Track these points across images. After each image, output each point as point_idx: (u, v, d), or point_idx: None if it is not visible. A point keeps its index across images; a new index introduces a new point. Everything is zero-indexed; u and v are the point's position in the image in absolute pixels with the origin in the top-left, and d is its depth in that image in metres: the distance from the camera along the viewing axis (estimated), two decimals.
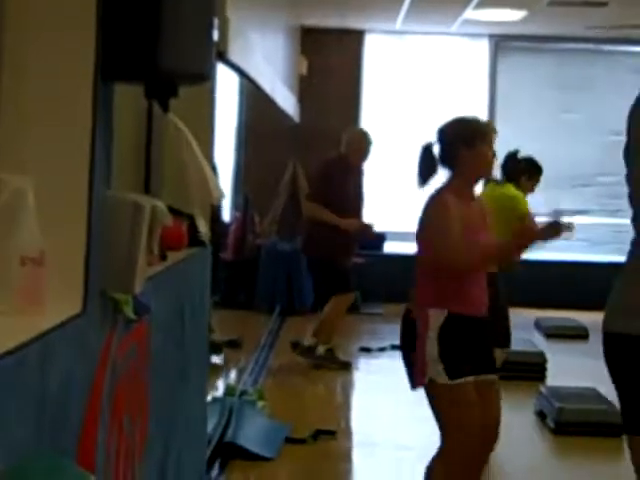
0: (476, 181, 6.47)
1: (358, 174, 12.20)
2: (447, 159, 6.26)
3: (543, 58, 19.14)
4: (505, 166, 10.15)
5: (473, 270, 6.14)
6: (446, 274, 6.13)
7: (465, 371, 6.05)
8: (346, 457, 8.99)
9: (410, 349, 6.18)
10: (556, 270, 17.06)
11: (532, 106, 18.69)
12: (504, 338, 9.45)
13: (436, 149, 6.27)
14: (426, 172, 6.29)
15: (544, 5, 15.04)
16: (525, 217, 9.53)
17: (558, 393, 9.87)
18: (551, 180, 18.24)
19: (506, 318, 9.44)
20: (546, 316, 14.86)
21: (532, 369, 11.57)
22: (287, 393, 10.83)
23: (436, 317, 6.06)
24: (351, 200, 11.91)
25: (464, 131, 6.30)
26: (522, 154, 10.30)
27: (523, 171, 10.22)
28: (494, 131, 6.46)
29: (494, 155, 6.38)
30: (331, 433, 9.19)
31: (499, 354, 9.15)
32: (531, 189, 10.35)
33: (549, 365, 11.64)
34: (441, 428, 6.23)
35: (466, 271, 6.12)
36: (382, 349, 12.62)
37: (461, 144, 6.23)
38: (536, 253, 16.46)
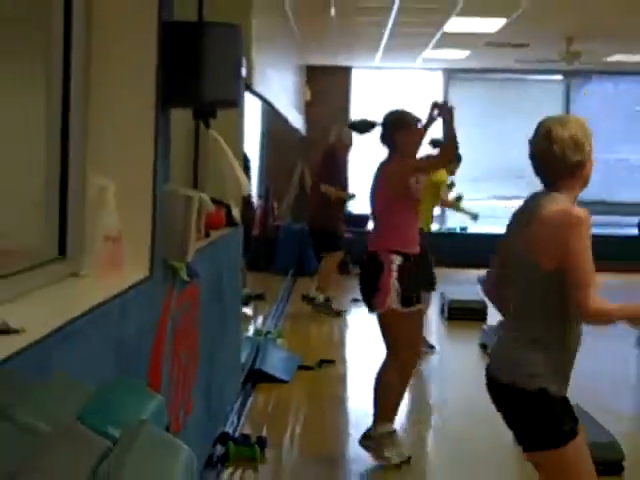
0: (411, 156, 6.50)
1: (344, 160, 12.35)
2: (386, 140, 6.48)
3: (483, 85, 19.21)
4: (436, 145, 10.35)
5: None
6: (398, 222, 6.20)
7: (413, 301, 6.13)
8: (343, 379, 9.04)
9: (371, 284, 6.19)
10: (494, 240, 17.04)
11: (476, 120, 18.64)
12: (430, 284, 9.51)
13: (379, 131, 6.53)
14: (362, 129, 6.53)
15: (482, 46, 15.03)
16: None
17: (494, 329, 9.88)
18: (493, 173, 18.50)
19: (431, 268, 9.51)
20: (484, 272, 14.83)
21: (477, 313, 11.57)
22: (299, 333, 10.85)
23: (396, 259, 6.11)
24: (340, 178, 12.08)
25: (397, 120, 6.47)
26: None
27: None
28: (420, 121, 6.49)
29: (421, 140, 6.58)
30: (332, 362, 9.24)
31: (426, 296, 9.29)
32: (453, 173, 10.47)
33: (488, 310, 11.64)
34: (390, 345, 6.32)
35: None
36: None
37: (395, 129, 6.41)
38: (479, 228, 16.36)
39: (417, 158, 6.59)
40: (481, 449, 6.78)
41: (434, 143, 10.64)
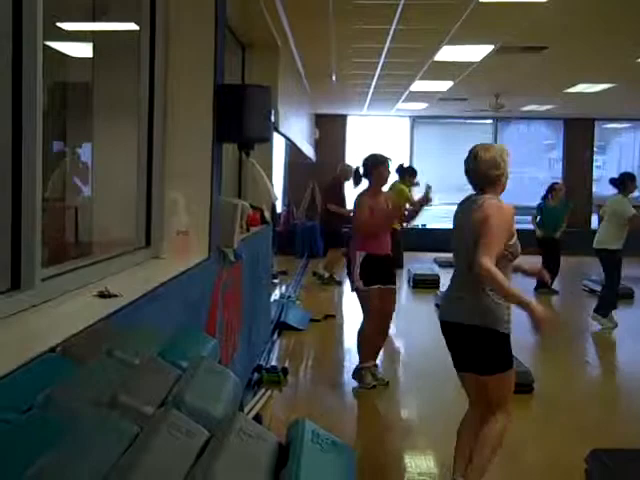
0: (381, 186, 6.43)
1: (343, 187, 12.36)
2: (367, 175, 6.33)
3: (438, 127, 19.09)
4: (401, 173, 10.34)
5: (371, 230, 6.21)
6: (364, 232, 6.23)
7: (372, 282, 6.16)
8: (341, 327, 9.02)
9: (350, 272, 6.29)
10: (445, 232, 17.07)
11: (434, 151, 18.65)
12: (399, 264, 9.68)
13: (361, 169, 6.39)
14: (357, 181, 6.45)
15: (437, 100, 15.00)
16: (408, 199, 9.85)
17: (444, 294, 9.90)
18: (445, 187, 18.46)
19: (401, 254, 9.64)
20: (440, 255, 14.87)
21: (432, 283, 11.56)
22: (311, 296, 10.82)
23: (360, 256, 6.13)
24: (343, 199, 12.08)
25: (374, 160, 6.32)
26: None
27: (405, 174, 10.37)
28: (390, 160, 6.44)
29: (389, 173, 6.45)
30: (333, 316, 9.25)
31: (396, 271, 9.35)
32: (413, 184, 10.39)
33: (441, 281, 11.66)
34: (364, 311, 6.33)
35: (367, 232, 6.22)
36: None
37: (372, 167, 6.29)
38: (435, 225, 16.21)
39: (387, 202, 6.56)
40: (437, 377, 6.78)
41: (400, 172, 10.71)
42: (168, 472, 1.73)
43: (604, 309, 8.87)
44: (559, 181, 13.54)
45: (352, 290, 6.45)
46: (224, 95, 4.56)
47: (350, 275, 6.36)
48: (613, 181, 8.99)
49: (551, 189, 11.86)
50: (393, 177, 8.16)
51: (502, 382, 3.81)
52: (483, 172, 3.83)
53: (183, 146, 4.39)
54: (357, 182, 6.54)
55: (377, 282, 6.25)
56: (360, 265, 6.20)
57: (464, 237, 3.82)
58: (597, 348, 8.61)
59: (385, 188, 6.64)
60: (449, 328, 3.92)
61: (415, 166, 13.00)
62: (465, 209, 3.90)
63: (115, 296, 2.92)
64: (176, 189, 4.32)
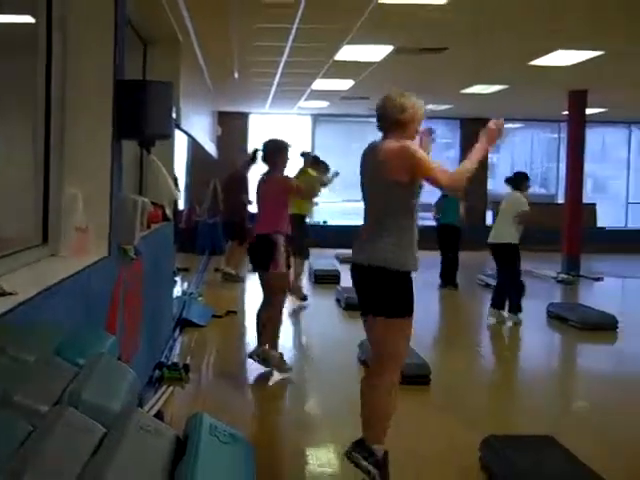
0: (281, 171, 6.48)
1: (246, 178, 12.37)
2: (266, 159, 6.46)
3: (339, 125, 19.28)
4: (305, 157, 10.40)
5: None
6: (280, 214, 6.33)
7: (287, 267, 6.31)
8: (242, 323, 9.00)
9: (266, 254, 6.26)
10: (345, 229, 17.26)
11: (335, 150, 18.78)
12: (306, 254, 9.76)
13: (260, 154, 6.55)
14: (251, 158, 6.58)
15: (338, 99, 15.13)
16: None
17: (345, 289, 9.97)
18: (346, 183, 18.65)
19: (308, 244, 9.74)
20: (340, 252, 15.01)
21: (333, 278, 11.66)
22: (213, 293, 10.76)
23: (280, 238, 6.18)
24: (246, 188, 12.12)
25: (274, 146, 6.41)
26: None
27: (312, 163, 10.41)
28: (290, 145, 6.52)
29: (288, 159, 6.53)
30: (235, 312, 9.23)
31: (300, 261, 9.79)
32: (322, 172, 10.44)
33: (342, 276, 11.76)
34: (271, 293, 6.42)
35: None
36: None
37: (272, 152, 6.43)
38: (335, 222, 16.38)
39: (291, 182, 6.63)
40: (339, 371, 6.85)
41: (303, 155, 10.72)
42: (61, 469, 1.70)
43: (516, 304, 9.03)
44: None
45: (268, 270, 6.36)
46: (124, 91, 4.49)
47: (266, 259, 6.33)
48: (508, 180, 9.25)
49: None
50: (297, 163, 8.20)
51: (400, 327, 3.85)
52: (390, 113, 3.89)
53: (82, 142, 4.30)
54: (250, 161, 6.64)
55: (289, 267, 6.45)
56: (283, 248, 6.27)
57: (371, 182, 3.91)
58: (492, 341, 8.84)
59: (289, 173, 6.74)
60: (356, 270, 3.97)
61: None
62: (370, 156, 3.96)
63: (10, 294, 2.84)
64: (75, 185, 4.23)
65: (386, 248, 3.80)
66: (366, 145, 4.10)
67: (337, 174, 10.57)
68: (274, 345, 6.51)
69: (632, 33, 8.64)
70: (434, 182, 3.76)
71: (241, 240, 11.77)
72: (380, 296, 3.85)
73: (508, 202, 9.05)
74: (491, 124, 3.89)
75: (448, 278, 11.68)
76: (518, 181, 9.08)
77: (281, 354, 6.53)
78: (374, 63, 10.79)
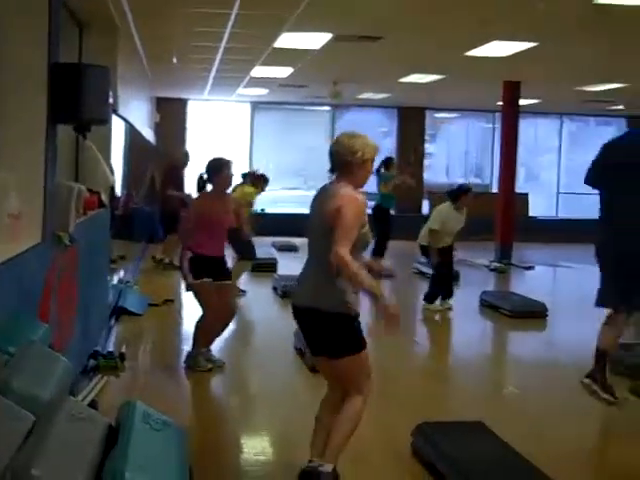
0: (224, 189, 6.45)
1: (182, 172, 12.26)
2: (210, 179, 6.34)
3: (278, 112, 19.24)
4: (244, 177, 10.33)
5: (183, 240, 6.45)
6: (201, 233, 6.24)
7: (201, 277, 6.15)
8: (179, 312, 8.96)
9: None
10: (284, 217, 17.31)
11: (274, 137, 18.79)
12: (251, 254, 9.64)
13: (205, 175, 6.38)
14: (200, 186, 6.41)
15: (277, 86, 15.09)
16: (250, 203, 10.03)
17: (282, 277, 10.00)
18: (283, 172, 18.72)
19: (252, 247, 9.67)
20: (278, 240, 15.01)
21: (270, 267, 11.61)
22: (149, 281, 10.67)
23: (188, 254, 6.14)
24: (182, 184, 12.01)
25: (216, 165, 6.32)
26: (260, 171, 10.60)
27: (252, 180, 10.34)
28: (231, 162, 6.44)
29: (231, 176, 6.45)
30: (171, 301, 9.17)
31: (243, 265, 9.70)
32: (261, 189, 10.37)
33: (279, 264, 11.77)
34: (200, 306, 6.35)
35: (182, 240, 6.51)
36: None
37: (214, 172, 6.30)
38: (274, 210, 16.40)
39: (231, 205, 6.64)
40: (275, 359, 6.87)
41: (244, 176, 10.69)
42: None
43: (448, 293, 9.17)
44: (392, 155, 13.98)
45: (187, 289, 6.36)
46: (59, 74, 4.41)
47: (181, 270, 6.31)
48: (449, 193, 9.28)
49: (386, 164, 12.32)
50: (237, 179, 8.16)
51: (353, 364, 3.83)
52: (340, 156, 3.85)
53: (15, 126, 4.22)
54: (200, 189, 6.50)
55: (208, 276, 6.22)
56: (190, 264, 6.18)
57: (316, 225, 3.85)
58: (426, 329, 8.96)
59: (228, 190, 6.68)
60: (300, 312, 3.90)
61: (254, 151, 13.03)
62: (319, 198, 3.92)
63: None
64: (7, 171, 4.15)
65: (335, 293, 3.75)
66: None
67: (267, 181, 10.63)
68: (205, 344, 6.44)
69: (565, 25, 8.80)
70: (334, 243, 3.61)
71: (173, 229, 11.70)
72: (330, 339, 3.82)
73: (435, 210, 9.19)
74: (393, 314, 3.81)
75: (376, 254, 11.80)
76: (455, 195, 9.12)
77: (209, 350, 6.47)
78: (313, 51, 10.78)
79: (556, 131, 20.44)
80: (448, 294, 9.21)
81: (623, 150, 5.31)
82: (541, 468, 3.85)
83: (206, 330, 6.38)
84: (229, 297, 6.48)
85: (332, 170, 3.92)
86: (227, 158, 6.47)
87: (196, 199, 6.53)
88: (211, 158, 6.48)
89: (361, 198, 3.77)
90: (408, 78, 13.64)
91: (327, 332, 3.80)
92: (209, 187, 6.44)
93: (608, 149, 5.35)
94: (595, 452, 5.02)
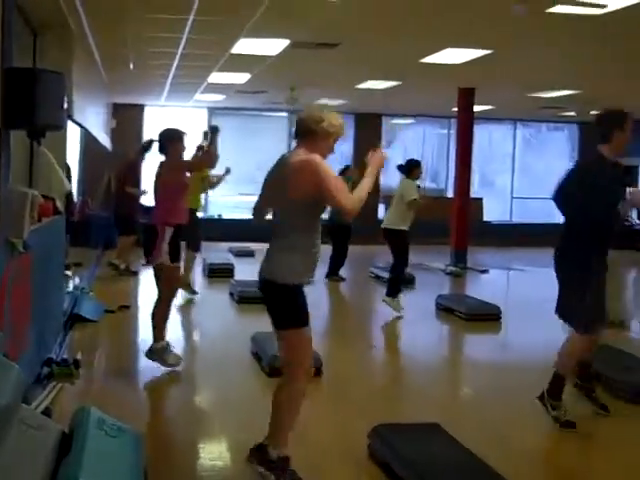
0: (179, 157, 6.46)
1: (139, 170, 12.15)
2: (162, 149, 6.39)
3: (236, 118, 19.16)
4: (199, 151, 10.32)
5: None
6: (171, 205, 6.24)
7: (173, 260, 6.21)
8: (135, 318, 8.85)
9: (149, 244, 6.21)
10: (238, 223, 17.26)
11: (230, 144, 18.67)
12: (197, 247, 9.70)
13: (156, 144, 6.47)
14: (145, 148, 6.46)
15: (234, 92, 15.06)
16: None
17: (239, 283, 9.96)
18: (239, 177, 18.62)
19: (199, 238, 9.92)
20: (234, 245, 14.98)
21: (227, 272, 11.59)
22: (105, 287, 10.56)
23: (168, 230, 6.11)
24: (139, 182, 11.95)
25: (169, 135, 6.39)
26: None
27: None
28: (185, 134, 6.49)
29: (184, 148, 6.51)
30: (127, 307, 9.08)
31: (192, 255, 9.83)
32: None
33: (236, 269, 11.73)
34: (160, 285, 6.31)
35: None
36: None
37: (168, 142, 6.37)
38: (229, 215, 16.33)
39: (188, 160, 6.65)
40: (231, 364, 6.84)
41: (199, 148, 10.55)
42: None
43: (393, 290, 9.19)
44: (351, 165, 13.69)
45: (150, 263, 6.32)
46: (13, 79, 4.35)
47: (153, 250, 6.23)
48: (400, 167, 9.35)
49: (343, 172, 12.09)
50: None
51: (296, 338, 3.87)
52: (305, 123, 3.89)
53: None
54: (145, 150, 6.51)
55: (177, 260, 6.32)
56: (168, 241, 6.17)
57: (276, 194, 3.87)
58: (383, 332, 8.98)
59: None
60: (261, 285, 3.96)
61: None
62: (277, 168, 3.94)
63: None
64: None
65: (281, 263, 3.81)
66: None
67: (228, 171, 10.53)
68: (160, 337, 6.41)
69: (519, 32, 8.91)
70: (337, 205, 3.74)
71: (130, 233, 11.60)
72: (276, 309, 3.89)
73: (399, 188, 9.20)
74: (373, 155, 3.96)
75: (333, 269, 11.75)
76: (408, 168, 9.22)
77: (167, 343, 6.44)
78: (270, 57, 10.79)
79: (510, 137, 20.68)
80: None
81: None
82: (495, 468, 3.89)
83: (164, 317, 6.38)
84: (180, 276, 6.57)
85: (296, 136, 3.96)
86: (181, 130, 6.49)
87: (160, 170, 6.47)
88: (165, 128, 6.48)
89: (319, 158, 3.79)
90: (365, 84, 13.71)
91: (276, 303, 3.87)
92: (161, 157, 6.45)
93: (571, 173, 5.35)
94: (549, 452, 5.07)
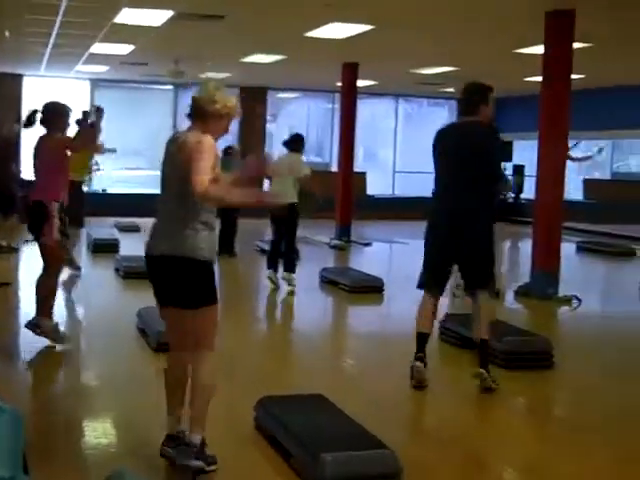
0: (62, 132, 6.25)
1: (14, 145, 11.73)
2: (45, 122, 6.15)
3: (119, 90, 18.75)
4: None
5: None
6: (55, 179, 6.05)
7: (65, 235, 6.15)
8: (16, 294, 8.61)
9: (38, 222, 6.00)
10: (124, 197, 16.91)
11: (114, 117, 18.16)
12: (80, 222, 9.57)
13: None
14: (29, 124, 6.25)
15: (118, 64, 14.71)
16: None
17: (124, 258, 9.78)
18: (130, 153, 18.22)
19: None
20: (120, 220, 14.67)
21: (112, 247, 11.28)
22: None
23: (55, 205, 5.95)
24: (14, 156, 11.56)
25: (55, 110, 6.19)
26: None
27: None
28: (71, 110, 6.30)
29: (69, 125, 6.34)
30: (9, 284, 8.82)
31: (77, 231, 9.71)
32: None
33: (121, 245, 11.48)
34: (49, 261, 6.13)
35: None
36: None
37: (52, 116, 6.13)
38: (115, 190, 15.98)
39: (70, 137, 6.42)
40: (117, 339, 6.73)
41: (79, 122, 10.21)
42: None
43: (293, 265, 9.13)
44: (234, 144, 13.55)
45: (42, 241, 6.07)
46: None
47: (43, 228, 6.01)
48: (286, 143, 9.24)
49: (226, 152, 11.96)
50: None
51: (211, 315, 3.83)
52: (199, 103, 3.80)
53: None
54: (29, 125, 6.24)
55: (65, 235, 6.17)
56: (58, 216, 5.99)
57: (168, 170, 3.80)
58: (268, 306, 9.01)
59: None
60: (153, 262, 3.82)
61: None
62: (171, 145, 3.85)
63: None
64: None
65: (188, 238, 3.69)
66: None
67: (114, 151, 10.29)
68: (49, 315, 6.25)
69: (400, 9, 9.03)
70: (192, 183, 3.53)
71: (10, 211, 11.21)
72: (184, 287, 3.76)
73: (286, 163, 9.02)
74: (253, 161, 3.95)
75: (225, 246, 11.64)
76: (295, 143, 9.15)
77: (56, 323, 6.28)
78: (154, 28, 10.56)
79: (392, 112, 20.98)
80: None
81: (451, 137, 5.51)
82: (376, 434, 3.97)
83: (53, 293, 6.22)
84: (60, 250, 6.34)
85: (189, 116, 3.87)
86: (67, 105, 6.29)
87: (40, 143, 6.22)
88: (51, 101, 6.26)
89: (209, 139, 3.70)
90: (250, 58, 13.62)
91: (184, 280, 3.74)
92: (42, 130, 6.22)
93: (439, 134, 5.56)
94: (428, 418, 5.26)
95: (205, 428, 3.83)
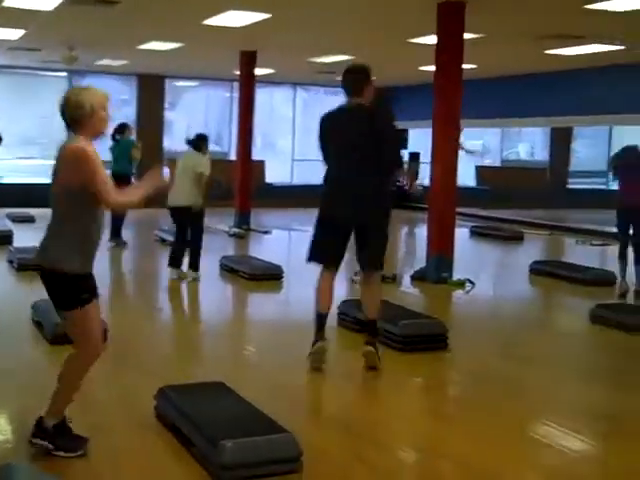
0: None
1: None
2: None
3: (7, 77, 18.08)
4: None
5: None
6: None
7: None
8: None
9: None
10: (26, 188, 16.39)
11: (4, 105, 17.57)
12: None
13: None
14: None
15: (7, 49, 14.22)
16: None
17: (18, 249, 9.46)
18: (20, 142, 17.64)
19: None
20: (13, 211, 14.19)
21: (5, 239, 10.87)
22: None
23: None
24: None
25: None
26: None
27: None
28: None
29: None
30: None
31: None
32: None
33: (15, 236, 11.12)
34: None
35: None
36: None
37: None
38: (11, 180, 15.46)
39: None
40: (6, 321, 6.52)
41: None
42: None
43: (197, 263, 9.02)
44: (126, 121, 13.17)
45: None
46: None
47: None
48: (189, 142, 9.11)
49: (121, 131, 11.66)
50: None
51: (81, 317, 3.80)
52: (69, 112, 3.79)
53: None
54: None
55: None
56: None
57: (54, 181, 3.74)
58: (168, 295, 8.90)
59: None
60: (40, 271, 3.84)
61: None
62: (58, 155, 3.79)
63: None
64: None
65: (57, 251, 3.74)
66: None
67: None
68: None
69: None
70: (101, 198, 3.66)
71: None
72: (54, 293, 3.82)
73: (187, 161, 8.93)
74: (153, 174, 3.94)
75: (113, 232, 11.32)
76: (198, 142, 9.04)
77: None
78: (46, 12, 10.24)
79: (290, 100, 20.99)
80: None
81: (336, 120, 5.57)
82: (276, 419, 3.99)
83: None
84: None
85: (67, 126, 3.84)
86: None
87: None
88: None
89: (89, 148, 3.70)
90: (147, 45, 13.38)
91: (51, 285, 3.80)
92: None
93: (326, 119, 5.60)
94: (327, 400, 5.31)
95: (60, 413, 3.88)
